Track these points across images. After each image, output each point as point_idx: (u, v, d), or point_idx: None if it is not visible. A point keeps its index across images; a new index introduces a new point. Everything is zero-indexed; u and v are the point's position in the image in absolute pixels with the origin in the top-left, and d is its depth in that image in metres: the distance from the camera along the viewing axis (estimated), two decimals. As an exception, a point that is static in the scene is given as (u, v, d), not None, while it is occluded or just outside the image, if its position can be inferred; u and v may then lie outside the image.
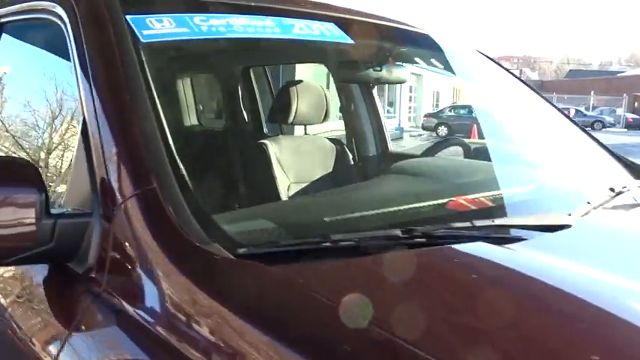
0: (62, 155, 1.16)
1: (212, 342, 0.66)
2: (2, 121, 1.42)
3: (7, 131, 1.40)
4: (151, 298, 0.75)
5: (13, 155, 1.22)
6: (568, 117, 1.98)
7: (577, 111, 30.48)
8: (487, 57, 2.07)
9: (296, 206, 1.26)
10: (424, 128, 22.62)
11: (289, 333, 0.62)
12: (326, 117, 2.39)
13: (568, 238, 0.94)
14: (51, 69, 1.25)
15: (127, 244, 0.81)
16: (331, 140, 2.46)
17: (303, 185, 2.04)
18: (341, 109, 2.75)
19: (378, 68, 2.00)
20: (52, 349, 0.85)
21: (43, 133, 1.25)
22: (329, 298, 0.66)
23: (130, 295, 0.78)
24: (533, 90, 2.02)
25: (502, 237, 0.90)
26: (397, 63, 2.17)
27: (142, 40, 1.10)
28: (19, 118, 1.38)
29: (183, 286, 0.72)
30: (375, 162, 2.57)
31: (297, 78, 3.11)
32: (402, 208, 1.04)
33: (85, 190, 0.92)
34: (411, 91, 28.22)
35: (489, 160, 1.78)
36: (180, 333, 0.69)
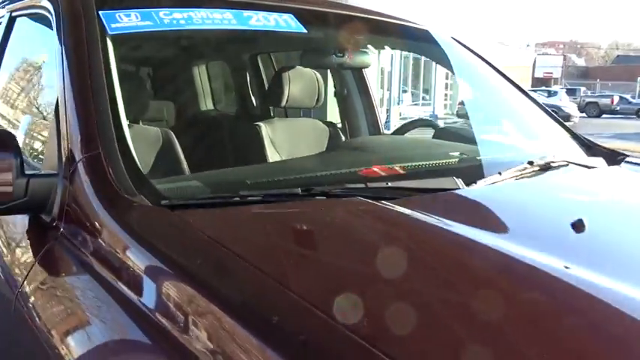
0: (42, 127, 1.38)
1: (125, 269, 0.86)
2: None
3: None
4: (92, 238, 0.96)
5: (3, 128, 1.45)
6: (533, 100, 2.10)
7: (621, 98, 29.55)
8: (458, 42, 2.21)
9: (230, 171, 1.44)
10: (459, 115, 22.41)
11: (179, 261, 0.82)
12: (318, 101, 2.56)
13: (441, 202, 1.10)
14: (41, 55, 1.47)
15: (78, 197, 1.02)
16: (324, 123, 2.63)
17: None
18: (335, 94, 2.93)
19: (340, 54, 2.15)
20: (23, 271, 1.09)
21: (30, 109, 1.49)
22: (215, 235, 0.85)
23: (78, 237, 1.00)
24: (503, 75, 2.14)
25: (382, 195, 1.06)
26: (359, 49, 2.32)
27: (109, 32, 1.30)
28: (11, 97, 1.64)
29: (112, 228, 0.92)
30: None
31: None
32: (318, 174, 1.22)
33: (55, 155, 1.14)
34: (447, 78, 27.86)
35: (446, 138, 1.94)
36: (107, 263, 0.90)
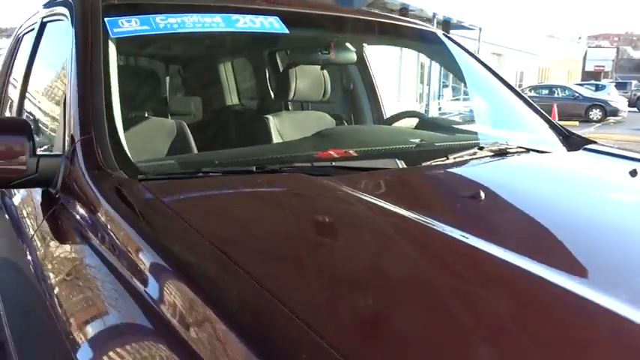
0: (56, 116, 1.64)
1: (98, 225, 1.07)
2: (30, 93, 1.96)
3: (29, 100, 1.94)
4: (79, 203, 1.19)
5: (20, 117, 1.71)
6: (520, 95, 2.22)
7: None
8: (446, 36, 2.37)
9: (208, 154, 1.65)
10: (500, 110, 22.10)
11: (136, 219, 1.03)
12: (325, 95, 2.75)
13: (371, 178, 1.28)
14: (59, 55, 1.72)
15: (73, 172, 1.25)
16: (332, 115, 2.81)
17: None
18: (341, 88, 3.11)
19: (326, 52, 2.34)
20: (35, 227, 1.35)
21: (50, 100, 1.75)
22: (168, 200, 1.07)
23: (71, 203, 1.23)
24: (493, 72, 2.28)
25: (322, 173, 1.25)
26: (343, 47, 2.50)
27: (111, 35, 1.53)
28: (38, 91, 1.92)
29: (93, 195, 1.14)
30: None
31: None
32: (281, 155, 1.41)
33: (62, 139, 1.38)
34: (492, 72, 27.31)
35: (427, 127, 2.10)
36: (86, 222, 1.13)
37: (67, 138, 1.35)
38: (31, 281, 1.22)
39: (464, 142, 1.70)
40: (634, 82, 31.77)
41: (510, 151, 1.66)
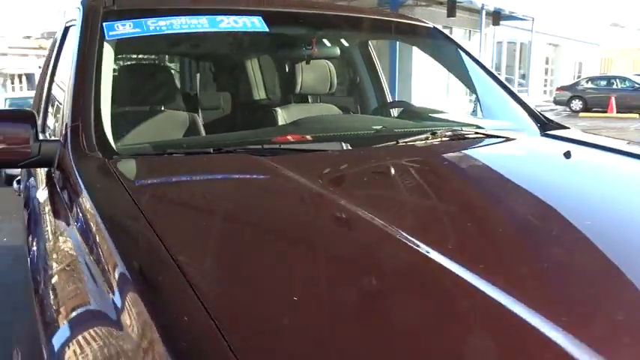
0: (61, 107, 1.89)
1: (71, 193, 1.30)
2: (53, 88, 2.26)
3: (52, 93, 2.24)
4: (64, 177, 1.42)
5: (26, 109, 1.98)
6: (504, 86, 2.32)
7: None
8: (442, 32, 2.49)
9: (181, 140, 1.85)
10: (556, 102, 21.47)
11: (97, 189, 1.24)
12: (331, 87, 2.91)
13: (310, 159, 1.45)
14: (71, 56, 1.98)
15: (63, 154, 1.48)
16: (339, 107, 2.98)
17: None
18: (349, 80, 3.28)
19: (309, 47, 2.50)
20: (34, 204, 1.61)
21: (61, 94, 2.02)
22: (128, 175, 1.28)
23: (60, 178, 1.47)
24: (479, 64, 2.39)
25: (269, 154, 1.43)
26: (324, 43, 2.67)
27: (106, 38, 1.76)
28: (57, 87, 2.21)
29: (72, 173, 1.37)
30: None
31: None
32: (242, 140, 1.61)
33: (61, 126, 1.63)
34: (547, 63, 26.47)
35: (405, 117, 2.24)
36: (67, 196, 1.35)
37: (62, 125, 1.59)
38: (25, 246, 1.47)
39: (420, 129, 1.83)
40: None
41: (468, 136, 1.79)
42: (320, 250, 0.96)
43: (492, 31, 19.42)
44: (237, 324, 0.69)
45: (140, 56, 3.36)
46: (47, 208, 1.50)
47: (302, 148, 1.52)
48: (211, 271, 0.86)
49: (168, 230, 0.96)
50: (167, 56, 3.82)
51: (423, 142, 1.66)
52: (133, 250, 0.93)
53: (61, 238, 1.22)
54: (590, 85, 21.00)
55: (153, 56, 3.44)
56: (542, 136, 1.88)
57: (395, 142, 1.63)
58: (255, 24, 1.96)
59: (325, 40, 2.91)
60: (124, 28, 1.82)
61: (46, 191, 1.56)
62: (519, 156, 1.73)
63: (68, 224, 1.22)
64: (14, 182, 2.91)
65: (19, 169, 2.79)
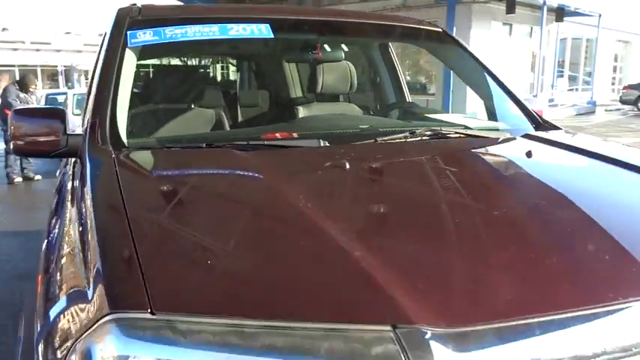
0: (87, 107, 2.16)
1: (81, 178, 1.54)
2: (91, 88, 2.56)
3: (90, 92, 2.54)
4: (80, 165, 1.67)
5: (57, 107, 2.26)
6: (504, 87, 2.42)
7: None
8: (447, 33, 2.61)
9: (187, 135, 2.07)
10: (623, 102, 20.52)
11: (100, 175, 1.48)
12: (352, 88, 3.08)
13: (286, 154, 1.63)
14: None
15: (83, 148, 1.74)
16: (359, 107, 3.15)
17: None
18: (370, 81, 3.43)
19: (315, 52, 2.67)
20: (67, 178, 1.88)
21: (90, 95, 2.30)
22: (128, 164, 1.51)
23: (77, 170, 1.72)
24: (474, 58, 2.50)
25: (254, 148, 1.63)
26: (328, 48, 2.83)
27: (129, 45, 2.02)
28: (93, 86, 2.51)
29: (85, 160, 1.62)
30: None
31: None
32: (235, 136, 1.81)
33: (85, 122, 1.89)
34: (616, 60, 25.28)
35: (403, 117, 2.39)
36: (79, 180, 1.60)
37: (85, 122, 1.85)
38: (47, 227, 1.73)
39: (402, 128, 1.98)
40: None
41: (449, 136, 1.92)
42: (242, 218, 1.19)
43: (556, 27, 18.83)
44: (151, 256, 0.95)
45: (183, 58, 3.64)
46: (66, 194, 1.76)
47: (281, 145, 1.71)
48: (153, 227, 1.12)
49: (135, 201, 1.20)
50: (211, 58, 4.08)
51: (402, 140, 1.81)
52: (105, 218, 1.16)
53: (68, 221, 1.46)
54: (660, 83, 19.97)
55: (194, 58, 3.70)
56: (523, 136, 1.99)
57: (374, 140, 1.79)
58: (262, 31, 2.16)
59: (343, 45, 3.09)
60: (145, 36, 2.06)
61: (70, 178, 1.83)
62: (477, 153, 1.85)
63: (74, 207, 1.46)
64: (57, 171, 3.26)
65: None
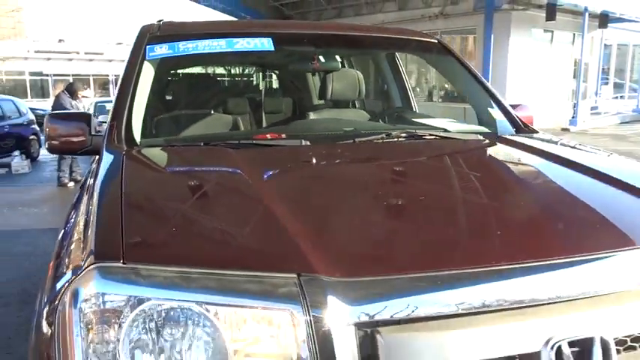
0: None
1: (95, 172, 1.83)
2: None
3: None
4: (99, 164, 1.96)
5: (84, 111, 2.58)
6: (491, 92, 2.61)
7: None
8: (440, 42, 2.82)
9: (186, 136, 2.33)
10: (671, 110, 19.87)
11: (109, 169, 1.77)
12: (360, 94, 3.31)
13: (268, 151, 1.88)
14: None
15: (102, 145, 2.03)
16: (367, 112, 3.38)
17: None
18: (377, 88, 3.65)
19: (312, 62, 2.91)
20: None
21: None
22: (135, 158, 1.79)
23: (98, 164, 2.02)
24: (466, 67, 2.69)
25: (243, 147, 1.88)
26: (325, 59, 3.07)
27: (147, 57, 2.32)
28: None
29: (103, 156, 1.90)
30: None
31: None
32: (231, 136, 2.08)
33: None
34: (667, 67, 24.38)
35: (396, 121, 2.62)
36: (94, 173, 1.89)
37: (107, 124, 2.16)
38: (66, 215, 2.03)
39: (382, 130, 2.20)
40: None
41: (425, 137, 2.14)
42: (209, 194, 1.48)
43: (600, 33, 18.49)
44: (131, 224, 1.20)
45: (198, 69, 3.95)
46: (85, 187, 2.07)
47: (267, 144, 1.96)
48: (139, 201, 1.40)
49: (131, 183, 1.48)
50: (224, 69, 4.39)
51: (378, 140, 2.04)
52: (104, 196, 1.44)
53: (81, 212, 1.72)
54: None
55: (208, 69, 4.01)
56: (493, 138, 2.18)
57: (352, 141, 2.02)
58: (264, 44, 2.43)
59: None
60: (161, 50, 2.36)
61: (90, 174, 2.14)
62: (437, 149, 2.07)
63: (86, 197, 1.74)
64: None
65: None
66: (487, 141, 2.15)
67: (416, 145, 2.05)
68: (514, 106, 2.68)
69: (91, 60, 37.88)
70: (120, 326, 0.99)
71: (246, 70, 4.27)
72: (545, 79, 17.64)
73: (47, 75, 35.67)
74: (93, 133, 2.17)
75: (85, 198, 1.62)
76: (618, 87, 21.22)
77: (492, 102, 2.53)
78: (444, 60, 2.83)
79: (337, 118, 2.63)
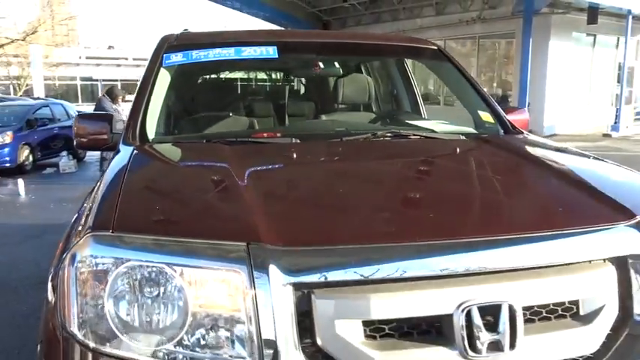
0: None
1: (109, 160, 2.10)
2: None
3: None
4: (114, 158, 2.22)
5: (106, 112, 2.88)
6: (483, 96, 2.76)
7: None
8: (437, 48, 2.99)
9: (191, 135, 2.58)
10: None
11: (120, 162, 2.03)
12: (369, 98, 3.51)
13: (260, 148, 2.10)
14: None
15: (118, 142, 2.30)
16: (375, 114, 3.57)
17: None
18: (387, 92, 3.84)
19: (317, 68, 3.13)
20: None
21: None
22: (143, 153, 2.05)
23: (113, 157, 2.28)
24: (461, 72, 2.86)
25: (240, 143, 2.12)
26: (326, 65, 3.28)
27: (164, 64, 2.59)
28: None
29: (117, 152, 2.17)
30: None
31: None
32: (229, 134, 2.33)
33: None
34: None
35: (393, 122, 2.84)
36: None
37: (126, 122, 2.43)
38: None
39: (370, 130, 2.39)
40: None
41: (410, 137, 2.32)
42: (195, 178, 1.76)
43: (646, 37, 18.03)
44: (125, 201, 1.45)
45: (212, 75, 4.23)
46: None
47: (260, 141, 2.19)
48: (136, 183, 1.66)
49: (134, 170, 1.74)
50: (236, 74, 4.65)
51: (364, 139, 2.24)
52: (108, 181, 1.70)
53: (92, 196, 1.97)
54: None
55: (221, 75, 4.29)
56: (475, 138, 2.35)
57: (340, 139, 2.23)
58: (269, 52, 2.67)
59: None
60: (176, 58, 2.63)
61: (115, 159, 2.42)
62: (415, 145, 2.26)
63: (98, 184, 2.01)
64: None
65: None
66: (465, 139, 2.32)
67: (396, 143, 2.24)
68: (513, 110, 2.83)
69: (138, 66, 39.21)
70: (107, 282, 1.24)
71: (256, 75, 4.52)
72: (587, 83, 17.32)
73: (97, 80, 37.16)
74: (114, 132, 2.46)
75: (97, 186, 1.88)
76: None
77: (486, 106, 2.69)
78: (443, 66, 3.00)
79: (333, 119, 2.84)
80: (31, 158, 11.56)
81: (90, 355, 1.22)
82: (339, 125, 2.56)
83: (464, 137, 2.38)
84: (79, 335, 1.23)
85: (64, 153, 11.71)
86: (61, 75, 35.85)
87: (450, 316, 1.22)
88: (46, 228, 6.30)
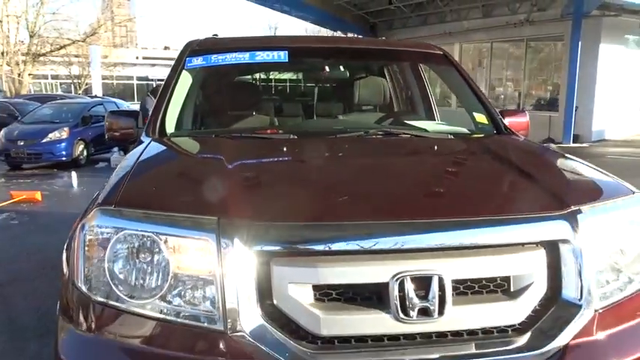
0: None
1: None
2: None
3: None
4: (135, 149, 2.52)
5: (133, 109, 3.20)
6: (480, 98, 2.93)
7: None
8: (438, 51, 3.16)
9: (204, 130, 2.84)
10: None
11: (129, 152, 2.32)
12: (385, 100, 3.72)
13: (259, 142, 2.35)
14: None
15: (140, 136, 2.61)
16: (393, 114, 3.78)
17: None
18: (400, 95, 4.03)
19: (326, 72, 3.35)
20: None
21: None
22: (159, 144, 2.34)
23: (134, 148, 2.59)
24: (463, 76, 3.03)
25: (245, 137, 2.38)
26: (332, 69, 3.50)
27: (186, 67, 2.88)
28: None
29: (138, 144, 2.47)
30: None
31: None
32: (237, 129, 2.59)
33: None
34: None
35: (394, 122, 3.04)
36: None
37: (149, 118, 2.74)
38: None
39: (364, 129, 2.60)
40: None
41: (401, 136, 2.53)
42: (196, 164, 2.04)
43: None
44: (132, 181, 1.74)
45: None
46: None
47: (261, 136, 2.45)
48: (145, 168, 1.95)
49: (146, 157, 2.02)
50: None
51: (356, 136, 2.46)
52: (122, 165, 1.99)
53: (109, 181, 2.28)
54: None
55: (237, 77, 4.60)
56: (461, 138, 2.53)
57: (334, 136, 2.46)
58: (280, 57, 2.93)
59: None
60: (197, 61, 2.93)
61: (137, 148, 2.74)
62: (401, 142, 2.45)
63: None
64: None
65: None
66: (451, 138, 2.51)
67: (384, 140, 2.45)
68: (512, 113, 2.98)
69: (191, 66, 40.35)
70: (107, 247, 1.52)
71: (270, 77, 4.79)
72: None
73: (152, 80, 38.53)
74: (139, 127, 2.77)
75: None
76: None
77: (483, 108, 2.85)
78: (448, 70, 3.18)
79: (335, 118, 3.06)
80: (85, 153, 12.33)
81: (91, 305, 1.51)
82: (338, 124, 2.79)
83: (451, 136, 2.56)
84: (84, 289, 1.52)
85: (116, 149, 12.37)
86: (119, 75, 37.41)
87: (386, 285, 1.43)
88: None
